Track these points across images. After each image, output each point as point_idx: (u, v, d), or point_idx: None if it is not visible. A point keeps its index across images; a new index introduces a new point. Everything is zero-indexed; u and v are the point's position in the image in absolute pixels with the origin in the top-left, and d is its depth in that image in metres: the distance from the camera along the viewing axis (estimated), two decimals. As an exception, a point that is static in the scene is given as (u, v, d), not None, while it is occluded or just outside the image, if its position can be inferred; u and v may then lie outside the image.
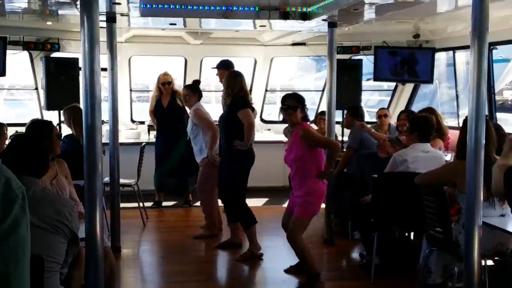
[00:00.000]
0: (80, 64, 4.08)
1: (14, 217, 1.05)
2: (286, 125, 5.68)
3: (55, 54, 9.02)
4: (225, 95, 6.45)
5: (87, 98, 3.81)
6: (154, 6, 6.38)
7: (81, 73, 8.31)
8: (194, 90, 7.24)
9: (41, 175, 3.41)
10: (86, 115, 3.82)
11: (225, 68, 7.34)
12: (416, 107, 10.31)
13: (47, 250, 3.11)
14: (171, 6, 6.42)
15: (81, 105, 3.98)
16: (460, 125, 8.79)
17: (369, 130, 7.16)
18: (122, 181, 6.95)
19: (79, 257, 3.82)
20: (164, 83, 8.57)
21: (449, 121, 9.81)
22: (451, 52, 9.58)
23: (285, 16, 6.69)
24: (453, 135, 8.22)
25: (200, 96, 7.25)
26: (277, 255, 5.59)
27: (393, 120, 8.82)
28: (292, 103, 5.46)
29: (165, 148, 8.67)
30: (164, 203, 8.87)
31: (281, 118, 5.72)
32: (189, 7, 6.49)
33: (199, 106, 7.20)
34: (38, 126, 4.78)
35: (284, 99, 5.58)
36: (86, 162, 3.85)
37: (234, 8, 6.57)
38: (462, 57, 9.44)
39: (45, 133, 4.56)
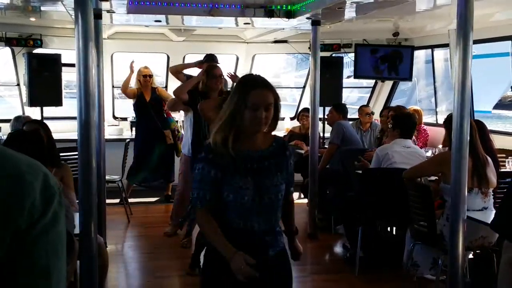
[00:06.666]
0: (71, 61, 4.12)
1: (54, 212, 1.09)
2: None
3: (37, 50, 8.96)
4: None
5: (81, 95, 3.86)
6: (140, 3, 6.41)
7: (64, 69, 8.34)
8: None
9: None
10: (81, 111, 3.86)
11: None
12: (394, 104, 10.46)
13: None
14: (158, 4, 6.45)
15: (76, 101, 3.99)
16: (438, 121, 9.00)
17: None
18: (107, 177, 6.96)
19: (72, 252, 3.85)
20: (146, 75, 8.53)
21: (426, 118, 9.97)
22: (429, 50, 9.74)
23: (270, 14, 6.77)
24: (432, 131, 8.38)
25: None
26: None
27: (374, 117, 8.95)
28: None
29: (144, 143, 8.61)
30: (148, 199, 8.88)
31: None
32: (175, 5, 6.52)
33: None
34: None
35: None
36: (80, 158, 3.90)
37: (220, 6, 6.62)
38: (440, 54, 9.59)
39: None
